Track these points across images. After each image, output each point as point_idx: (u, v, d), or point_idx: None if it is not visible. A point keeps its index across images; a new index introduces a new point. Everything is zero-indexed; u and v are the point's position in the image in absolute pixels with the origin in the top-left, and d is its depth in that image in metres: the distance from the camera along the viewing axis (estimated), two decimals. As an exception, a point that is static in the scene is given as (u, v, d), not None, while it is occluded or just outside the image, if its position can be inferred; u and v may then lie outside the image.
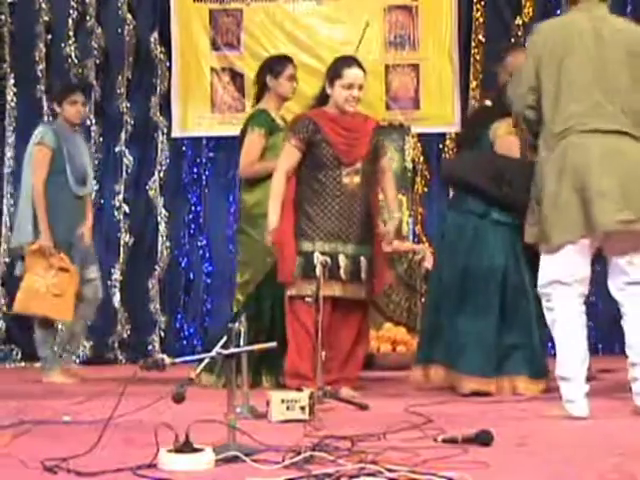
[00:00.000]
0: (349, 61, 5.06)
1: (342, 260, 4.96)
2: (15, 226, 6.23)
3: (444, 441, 3.41)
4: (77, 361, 7.04)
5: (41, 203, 5.89)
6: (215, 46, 7.53)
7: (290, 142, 5.02)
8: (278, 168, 5.05)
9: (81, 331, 6.19)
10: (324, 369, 4.69)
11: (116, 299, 7.40)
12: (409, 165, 7.32)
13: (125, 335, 7.38)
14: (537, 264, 4.27)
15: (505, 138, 5.11)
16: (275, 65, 5.62)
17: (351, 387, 5.04)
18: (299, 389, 4.30)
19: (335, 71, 5.01)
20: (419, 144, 7.46)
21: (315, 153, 4.99)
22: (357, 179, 5.01)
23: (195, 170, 7.53)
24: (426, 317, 5.41)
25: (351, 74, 4.97)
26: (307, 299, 4.80)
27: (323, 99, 5.09)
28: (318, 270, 4.77)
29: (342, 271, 4.95)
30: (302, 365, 4.93)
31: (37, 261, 5.85)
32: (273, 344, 4.24)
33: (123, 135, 7.51)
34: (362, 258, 5.02)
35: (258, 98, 5.68)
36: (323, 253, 4.88)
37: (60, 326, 6.31)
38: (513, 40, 7.22)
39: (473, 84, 7.36)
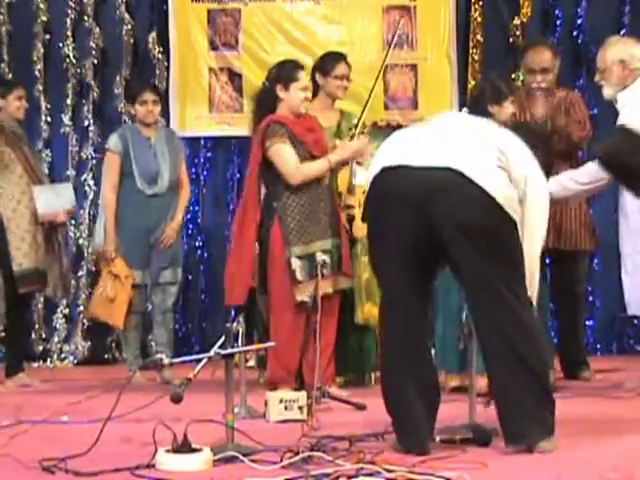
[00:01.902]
0: (298, 65, 5.12)
1: (329, 256, 4.95)
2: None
3: (442, 441, 3.40)
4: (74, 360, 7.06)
5: (107, 209, 5.90)
6: (213, 46, 7.51)
7: (280, 141, 4.92)
8: (294, 167, 4.93)
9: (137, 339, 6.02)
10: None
11: (114, 299, 7.37)
12: (407, 165, 7.31)
13: (123, 335, 7.35)
14: None
15: None
16: (324, 63, 5.53)
17: (336, 385, 5.06)
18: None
19: (290, 75, 5.01)
20: (417, 144, 7.44)
21: None
22: (329, 172, 5.06)
23: (193, 170, 7.49)
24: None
25: (304, 77, 5.05)
26: (306, 299, 4.79)
27: (271, 105, 5.04)
28: (317, 270, 4.79)
29: (329, 266, 4.92)
30: (278, 370, 4.94)
31: (103, 266, 5.90)
32: (271, 343, 4.25)
33: (121, 135, 7.48)
34: (337, 248, 5.02)
35: (313, 96, 5.42)
36: (324, 251, 4.90)
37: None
38: (511, 40, 7.22)
39: (471, 84, 7.34)
